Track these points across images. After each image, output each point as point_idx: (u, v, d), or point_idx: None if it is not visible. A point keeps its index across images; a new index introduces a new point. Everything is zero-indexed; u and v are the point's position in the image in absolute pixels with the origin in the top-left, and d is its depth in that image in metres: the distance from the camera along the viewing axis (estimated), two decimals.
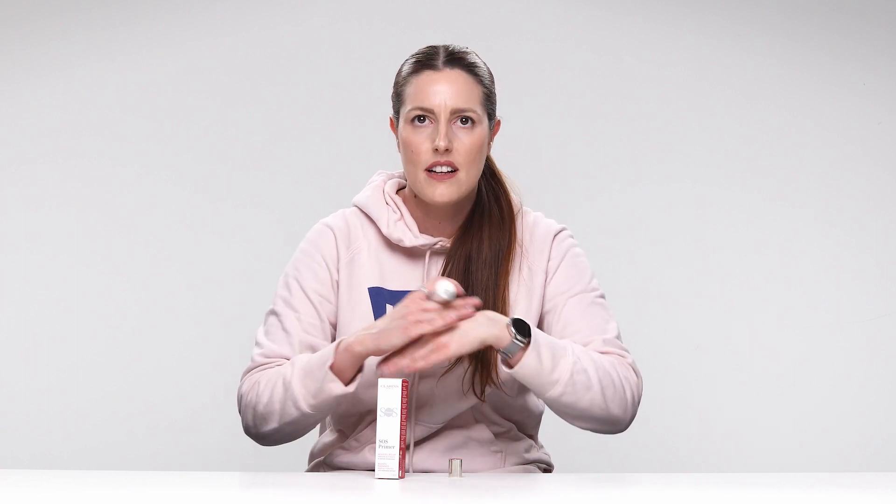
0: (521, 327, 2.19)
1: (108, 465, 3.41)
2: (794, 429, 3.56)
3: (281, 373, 2.27)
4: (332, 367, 2.19)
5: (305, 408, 2.23)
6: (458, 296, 2.16)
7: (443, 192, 2.30)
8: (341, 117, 3.56)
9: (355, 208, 2.44)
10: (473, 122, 2.30)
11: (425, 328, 2.13)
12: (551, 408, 2.28)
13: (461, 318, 2.15)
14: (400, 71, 2.38)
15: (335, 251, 2.38)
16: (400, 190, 2.44)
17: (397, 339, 2.14)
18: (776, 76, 3.63)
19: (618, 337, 2.35)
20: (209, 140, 3.54)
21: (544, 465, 2.47)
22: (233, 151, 3.54)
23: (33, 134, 3.52)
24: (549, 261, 2.39)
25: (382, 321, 2.18)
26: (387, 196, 2.41)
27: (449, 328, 2.15)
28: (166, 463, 3.44)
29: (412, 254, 2.38)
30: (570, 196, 3.56)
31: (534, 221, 2.42)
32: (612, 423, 2.30)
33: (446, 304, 2.15)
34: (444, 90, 2.29)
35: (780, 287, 3.59)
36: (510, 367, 2.20)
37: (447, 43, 2.37)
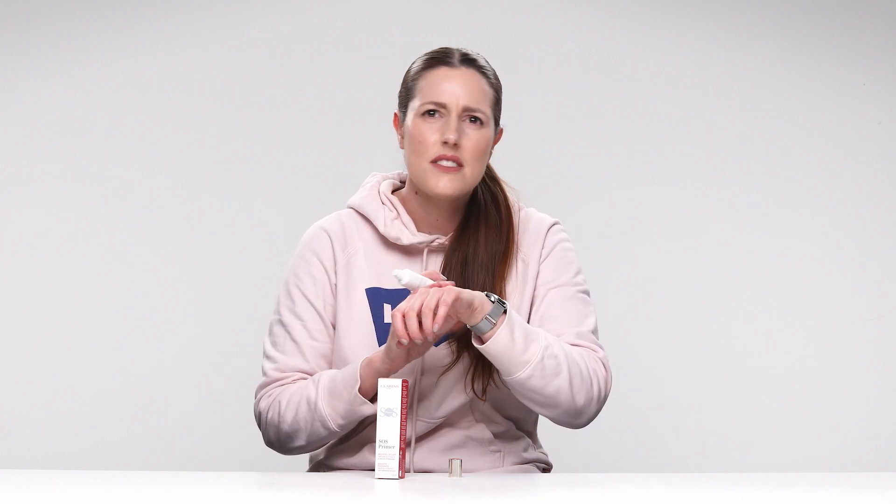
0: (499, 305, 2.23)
1: (108, 465, 3.41)
2: (794, 429, 3.55)
3: (304, 392, 2.31)
4: (360, 390, 2.24)
5: (334, 427, 2.29)
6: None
7: (446, 184, 2.32)
8: (340, 117, 3.56)
9: (350, 210, 2.44)
10: (482, 122, 2.34)
11: (403, 338, 2.16)
12: (519, 393, 2.28)
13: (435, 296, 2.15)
14: (410, 68, 2.41)
15: (332, 254, 2.39)
16: (395, 191, 2.45)
17: (397, 355, 2.21)
18: (776, 76, 3.63)
19: (593, 332, 2.37)
20: (209, 140, 3.54)
21: (543, 465, 2.47)
22: (233, 151, 3.54)
23: (33, 134, 3.52)
24: (541, 253, 2.40)
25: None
26: (382, 196, 2.42)
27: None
28: (166, 463, 3.44)
29: (410, 252, 2.38)
30: (570, 196, 3.56)
31: (526, 216, 2.44)
32: (576, 414, 2.31)
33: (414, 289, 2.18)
34: (458, 87, 2.33)
35: (780, 287, 3.59)
36: (482, 342, 2.22)
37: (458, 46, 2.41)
